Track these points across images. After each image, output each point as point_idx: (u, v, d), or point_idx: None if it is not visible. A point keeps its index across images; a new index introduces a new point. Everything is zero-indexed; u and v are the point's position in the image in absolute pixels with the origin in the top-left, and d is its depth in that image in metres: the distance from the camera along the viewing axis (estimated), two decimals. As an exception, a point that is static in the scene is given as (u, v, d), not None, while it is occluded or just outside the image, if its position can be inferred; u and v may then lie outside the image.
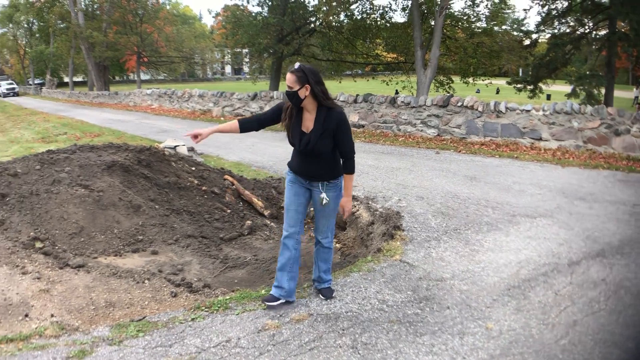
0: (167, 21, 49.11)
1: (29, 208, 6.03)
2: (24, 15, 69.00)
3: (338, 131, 4.24)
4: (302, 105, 4.29)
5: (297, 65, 4.21)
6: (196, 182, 8.09)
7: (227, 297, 4.86)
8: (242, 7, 27.94)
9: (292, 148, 4.57)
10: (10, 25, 75.14)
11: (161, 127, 20.07)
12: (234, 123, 4.57)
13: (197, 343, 4.02)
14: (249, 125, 4.57)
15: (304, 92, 4.16)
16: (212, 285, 5.36)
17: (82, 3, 48.95)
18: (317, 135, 4.25)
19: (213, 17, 56.99)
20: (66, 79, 78.48)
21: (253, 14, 26.98)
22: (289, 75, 4.18)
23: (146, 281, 5.25)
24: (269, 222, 7.82)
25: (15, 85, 70.59)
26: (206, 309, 4.60)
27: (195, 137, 4.50)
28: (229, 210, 7.66)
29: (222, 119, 21.85)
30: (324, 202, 4.45)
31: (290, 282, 4.57)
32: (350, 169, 4.41)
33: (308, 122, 4.33)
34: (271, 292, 4.59)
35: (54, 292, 4.97)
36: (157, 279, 5.33)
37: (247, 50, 31.39)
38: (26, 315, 4.65)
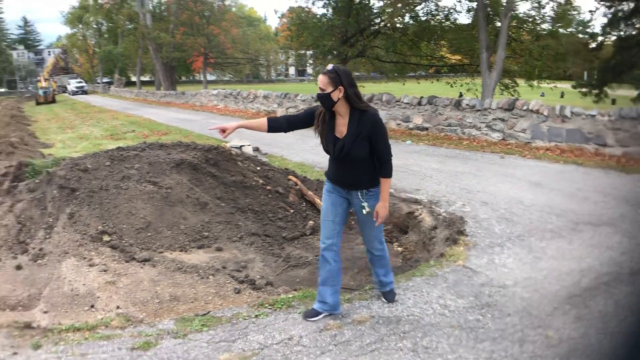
0: (233, 23, 50.16)
1: (98, 202, 6.33)
2: (93, 16, 71.87)
3: (374, 133, 4.12)
4: (334, 110, 4.17)
5: (330, 66, 4.13)
6: (261, 181, 8.25)
7: (290, 296, 4.96)
8: (307, 9, 28.20)
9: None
10: (80, 25, 78.40)
11: (226, 127, 20.54)
12: (263, 120, 4.45)
13: (260, 339, 4.12)
14: (277, 125, 4.44)
15: (337, 95, 4.06)
16: (275, 284, 5.48)
17: (150, 4, 50.55)
18: (352, 139, 4.12)
19: (279, 17, 57.85)
20: (134, 78, 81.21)
21: (318, 16, 27.14)
22: (321, 77, 4.07)
23: (210, 277, 5.42)
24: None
25: (84, 84, 73.64)
26: (269, 307, 4.71)
27: (223, 131, 4.35)
28: (292, 210, 7.78)
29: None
30: (365, 211, 4.31)
31: (334, 296, 4.49)
32: (386, 172, 4.27)
33: (341, 127, 4.21)
34: (314, 307, 4.53)
35: (119, 284, 5.19)
36: (221, 275, 5.49)
37: (311, 51, 31.58)
38: (92, 306, 4.88)
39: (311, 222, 7.50)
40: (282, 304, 4.74)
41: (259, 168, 8.82)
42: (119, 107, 37.78)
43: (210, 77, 67.89)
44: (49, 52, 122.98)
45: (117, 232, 6.00)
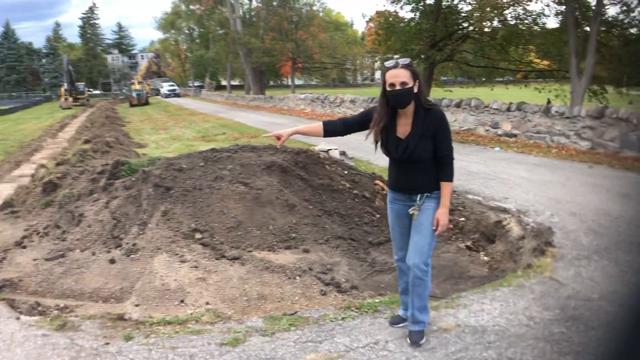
0: (320, 28, 50.70)
1: (192, 201, 6.58)
2: (185, 22, 74.65)
3: (439, 132, 3.89)
4: (400, 108, 3.93)
5: (406, 60, 3.90)
6: (348, 185, 8.30)
7: (377, 301, 4.97)
8: (394, 13, 28.11)
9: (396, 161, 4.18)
10: (172, 31, 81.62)
11: (313, 131, 20.79)
12: (318, 125, 4.28)
13: (346, 342, 4.15)
14: (333, 128, 4.26)
15: (415, 89, 3.84)
16: (360, 287, 5.50)
17: (240, 10, 51.86)
18: (417, 137, 3.89)
19: (366, 21, 57.88)
20: (224, 82, 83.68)
21: (405, 20, 27.00)
22: (401, 71, 3.79)
23: (297, 277, 5.50)
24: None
25: (176, 87, 76.47)
26: (356, 310, 4.75)
27: (278, 138, 4.18)
28: (378, 215, 7.77)
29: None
30: (413, 211, 4.04)
31: None
32: (448, 175, 3.99)
33: (403, 127, 3.97)
34: (399, 313, 4.52)
35: (209, 281, 5.37)
36: (307, 276, 5.56)
37: (398, 56, 31.44)
38: (182, 301, 5.07)
39: (396, 228, 7.47)
40: (368, 308, 4.77)
41: (346, 172, 8.88)
42: (209, 110, 38.97)
43: (297, 82, 68.90)
44: (142, 56, 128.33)
45: (209, 230, 6.22)
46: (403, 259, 4.23)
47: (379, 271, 6.17)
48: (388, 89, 3.84)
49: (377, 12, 30.90)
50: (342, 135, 4.32)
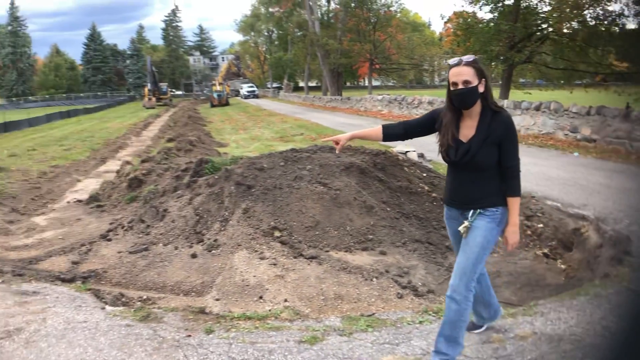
0: (398, 29, 50.33)
1: (272, 200, 6.69)
2: (264, 24, 75.82)
3: (506, 139, 3.52)
4: (468, 109, 3.60)
5: (471, 57, 3.59)
6: (426, 188, 8.22)
7: None
8: (472, 14, 27.62)
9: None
10: (252, 33, 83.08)
11: (391, 133, 20.73)
12: (378, 129, 3.98)
13: (422, 345, 4.13)
14: (393, 132, 3.96)
15: (481, 89, 3.52)
16: (436, 292, 5.45)
17: (319, 12, 52.21)
18: (480, 141, 3.52)
19: (444, 21, 57.17)
20: (301, 84, 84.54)
21: (484, 21, 26.51)
22: (464, 69, 3.49)
23: (374, 279, 5.50)
24: (494, 237, 7.69)
25: (255, 88, 77.78)
26: (433, 314, 4.72)
27: (337, 143, 4.01)
28: (456, 220, 7.67)
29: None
30: (463, 229, 3.66)
31: (488, 309, 4.18)
32: (516, 189, 3.59)
33: (467, 130, 3.61)
34: (473, 320, 4.32)
35: (287, 278, 5.44)
36: (384, 278, 5.55)
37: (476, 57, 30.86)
38: (260, 297, 5.17)
39: (474, 233, 7.35)
40: None
41: (424, 174, 8.80)
42: (287, 111, 39.46)
43: (374, 83, 68.81)
44: (223, 57, 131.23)
45: (288, 228, 6.30)
46: None
47: (456, 276, 6.09)
48: (451, 88, 3.55)
49: (455, 13, 30.52)
50: (403, 139, 4.02)
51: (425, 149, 12.73)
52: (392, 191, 7.68)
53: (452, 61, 3.61)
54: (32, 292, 5.61)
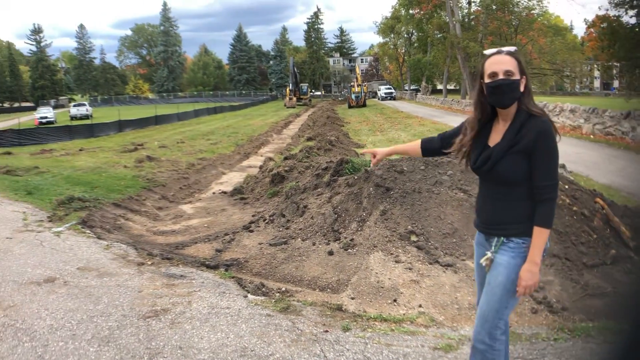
0: (540, 32, 48.32)
1: (410, 204, 6.66)
2: (404, 26, 75.49)
3: (537, 148, 2.86)
4: (503, 109, 3.03)
5: (513, 47, 3.06)
6: (568, 201, 7.83)
7: (590, 325, 4.73)
8: (614, 18, 25.91)
9: None
10: (392, 35, 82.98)
11: (532, 141, 19.98)
12: (416, 143, 3.54)
13: (559, 364, 3.97)
14: (431, 145, 3.47)
15: (522, 87, 2.96)
16: (570, 310, 5.20)
17: (460, 14, 51.25)
18: (504, 148, 2.94)
19: (587, 25, 54.18)
20: (439, 86, 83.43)
21: (629, 25, 24.83)
22: (506, 58, 2.96)
23: (512, 292, 5.33)
24: (632, 255, 7.19)
25: (393, 90, 77.84)
26: (568, 332, 4.55)
27: (374, 156, 3.68)
28: (595, 236, 7.24)
29: (591, 136, 20.61)
30: (485, 261, 3.10)
31: None
32: (545, 218, 2.88)
33: (497, 134, 3.05)
34: None
35: (422, 284, 5.39)
36: (520, 292, 5.36)
37: (619, 64, 29.01)
38: (394, 300, 5.16)
39: (613, 251, 6.92)
40: (581, 332, 4.55)
41: (566, 187, 8.38)
42: (424, 114, 39.13)
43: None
44: (362, 59, 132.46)
45: (425, 234, 6.24)
46: None
47: (591, 295, 5.79)
48: (487, 80, 2.98)
49: (598, 17, 28.88)
50: (440, 153, 3.50)
51: (566, 159, 12.15)
52: (534, 202, 7.41)
53: (488, 51, 3.09)
54: (180, 275, 5.99)
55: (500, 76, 2.91)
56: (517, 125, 2.92)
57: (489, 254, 3.04)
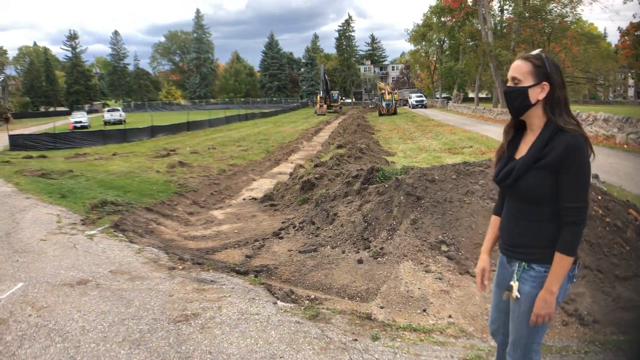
0: (573, 40, 47.70)
1: (441, 213, 6.61)
2: (435, 34, 75.35)
3: (564, 163, 2.61)
4: (525, 119, 2.85)
5: (538, 50, 2.80)
6: (600, 212, 7.71)
7: (622, 338, 4.67)
8: None
9: None
10: (423, 42, 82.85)
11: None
12: (494, 220, 3.18)
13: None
14: (499, 211, 3.13)
15: (538, 93, 2.73)
16: (601, 322, 5.12)
17: (492, 22, 50.91)
18: (528, 162, 2.72)
19: (620, 33, 53.38)
20: (471, 94, 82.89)
21: None
22: (519, 63, 2.77)
23: (541, 304, 5.27)
24: (666, 267, 7.07)
25: (424, 98, 77.52)
26: (600, 345, 4.49)
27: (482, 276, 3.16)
28: (627, 247, 7.12)
29: (624, 146, 20.25)
30: (512, 295, 2.82)
31: None
32: (567, 243, 2.64)
33: (525, 146, 2.85)
34: None
35: (452, 295, 5.35)
36: (552, 303, 5.31)
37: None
38: (424, 310, 5.13)
39: (645, 263, 6.82)
40: (612, 345, 4.51)
41: (600, 197, 8.25)
42: (456, 122, 38.88)
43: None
44: (393, 67, 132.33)
45: (455, 244, 6.20)
46: (496, 332, 3.20)
47: (622, 308, 5.70)
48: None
49: (632, 24, 28.46)
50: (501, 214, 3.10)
51: (599, 169, 11.98)
52: (567, 212, 7.31)
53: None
54: (210, 280, 6.03)
55: (509, 83, 2.80)
56: (545, 138, 2.70)
57: (513, 284, 2.81)
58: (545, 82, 2.70)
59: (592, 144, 2.68)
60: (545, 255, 2.70)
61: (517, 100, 2.75)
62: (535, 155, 2.69)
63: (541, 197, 2.68)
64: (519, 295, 2.77)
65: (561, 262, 2.63)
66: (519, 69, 2.74)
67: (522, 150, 2.82)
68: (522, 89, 2.72)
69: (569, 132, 2.63)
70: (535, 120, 2.77)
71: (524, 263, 2.78)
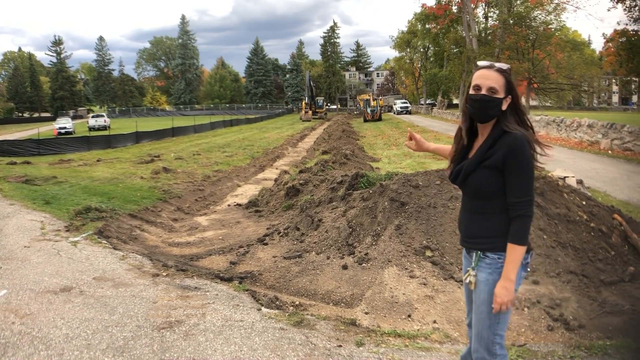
0: (557, 47, 48.14)
1: (425, 218, 6.63)
2: (420, 41, 75.87)
3: (508, 161, 2.85)
4: (482, 125, 3.07)
5: (506, 65, 3.03)
6: (585, 217, 7.76)
7: (608, 343, 4.68)
8: (635, 32, 25.78)
9: None
10: (408, 49, 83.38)
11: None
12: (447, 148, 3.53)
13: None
14: None
15: (505, 106, 2.97)
16: (587, 327, 5.16)
17: (476, 29, 51.31)
18: (476, 161, 2.98)
19: (605, 40, 54.01)
20: (456, 101, 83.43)
21: None
22: (493, 74, 2.96)
23: (525, 309, 5.30)
24: (651, 272, 7.13)
25: (408, 104, 77.87)
26: (585, 350, 4.51)
27: (411, 139, 3.69)
28: (612, 252, 7.18)
29: (609, 152, 20.47)
30: (469, 279, 3.07)
31: None
32: (517, 234, 2.87)
33: (477, 148, 3.09)
34: None
35: (437, 300, 5.36)
36: (535, 309, 5.34)
37: (638, 78, 28.93)
38: (409, 316, 5.14)
39: (631, 269, 6.85)
40: (598, 350, 4.51)
41: (584, 202, 8.31)
42: (440, 128, 39.08)
43: (531, 103, 66.45)
44: (378, 73, 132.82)
45: (440, 249, 6.22)
46: (470, 323, 3.31)
47: (608, 312, 5.73)
48: (471, 92, 3.00)
49: (616, 31, 28.79)
50: None
51: (584, 175, 12.09)
52: (549, 218, 7.34)
53: (482, 63, 3.07)
54: (194, 287, 6.00)
55: (483, 91, 2.94)
56: (491, 140, 2.95)
57: (470, 271, 3.06)
58: (511, 96, 2.98)
59: (544, 144, 2.99)
60: (498, 244, 2.95)
61: (493, 110, 2.94)
62: (480, 157, 2.96)
63: (489, 193, 2.94)
64: (473, 279, 3.04)
65: (514, 252, 2.86)
66: (497, 81, 2.93)
67: (474, 151, 3.07)
68: (499, 100, 2.93)
69: (512, 133, 2.88)
70: (488, 125, 3.01)
71: (479, 252, 3.02)
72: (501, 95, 2.92)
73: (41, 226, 9.00)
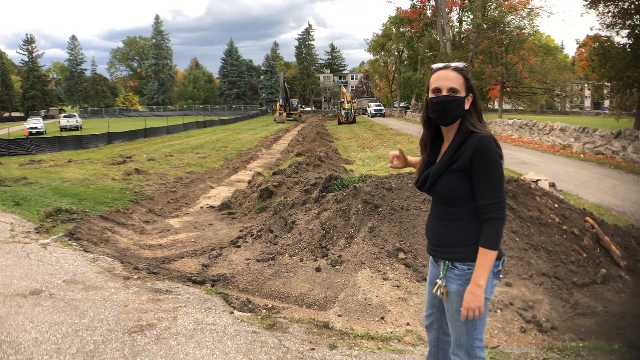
0: (531, 52, 48.75)
1: (398, 221, 6.65)
2: (395, 44, 76.28)
3: (475, 164, 2.76)
4: (445, 128, 3.00)
5: (461, 64, 2.99)
6: (557, 220, 7.85)
7: (581, 345, 4.71)
8: (608, 38, 26.24)
9: None
10: (382, 52, 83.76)
11: (520, 159, 19.96)
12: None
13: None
14: None
15: (467, 105, 2.91)
16: (560, 329, 5.21)
17: (450, 33, 51.74)
18: (442, 166, 2.88)
19: (578, 45, 54.89)
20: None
21: (620, 45, 25.17)
22: (451, 74, 2.91)
23: (498, 311, 5.33)
24: (623, 274, 7.20)
25: (382, 107, 78.17)
26: (558, 352, 4.53)
27: (398, 159, 3.46)
28: (584, 255, 7.26)
29: (581, 155, 20.79)
30: (439, 291, 2.95)
31: None
32: (489, 238, 2.78)
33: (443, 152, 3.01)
34: None
35: (410, 302, 5.38)
36: (508, 311, 5.37)
37: (610, 84, 29.40)
38: (382, 318, 5.14)
39: (603, 271, 6.94)
40: (571, 351, 4.53)
41: (556, 205, 8.40)
42: (414, 131, 39.25)
43: (504, 106, 67.23)
44: (352, 76, 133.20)
45: (412, 251, 6.24)
46: (428, 328, 3.32)
47: (580, 314, 5.80)
48: (431, 95, 2.92)
49: (589, 37, 29.27)
50: None
51: (556, 178, 12.23)
52: (522, 220, 7.41)
53: (436, 65, 2.99)
54: (165, 290, 5.93)
55: (444, 93, 2.86)
56: (457, 143, 2.86)
57: (439, 282, 2.94)
58: (470, 94, 2.91)
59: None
60: (467, 253, 2.84)
61: (456, 110, 2.87)
62: (447, 161, 2.86)
63: (457, 198, 2.84)
64: (443, 288, 2.91)
65: (485, 257, 2.75)
66: (456, 80, 2.88)
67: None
68: (461, 99, 2.86)
69: (477, 134, 2.80)
70: (453, 127, 2.92)
71: (447, 262, 2.90)
72: (462, 94, 2.86)
73: (10, 228, 8.83)
